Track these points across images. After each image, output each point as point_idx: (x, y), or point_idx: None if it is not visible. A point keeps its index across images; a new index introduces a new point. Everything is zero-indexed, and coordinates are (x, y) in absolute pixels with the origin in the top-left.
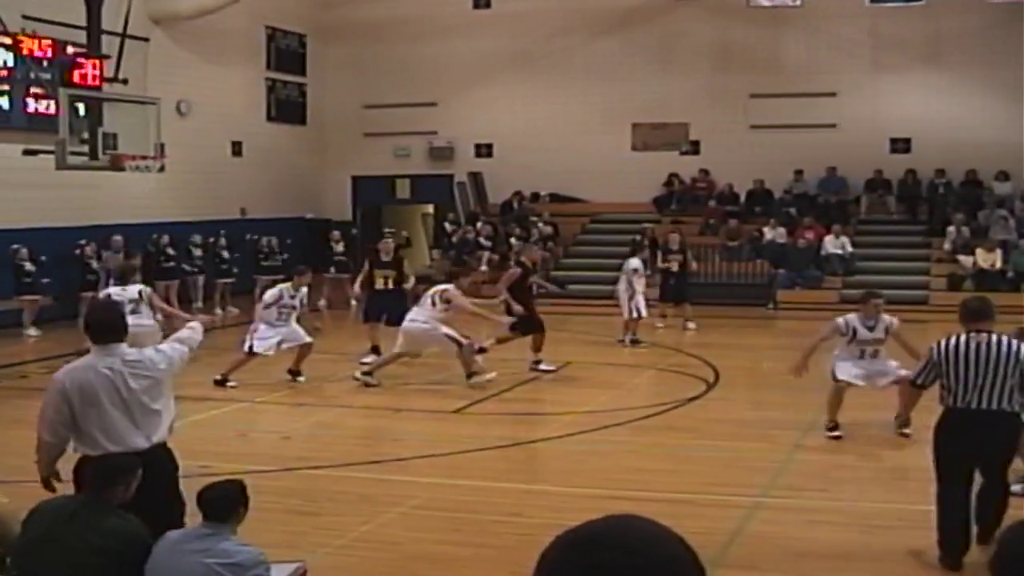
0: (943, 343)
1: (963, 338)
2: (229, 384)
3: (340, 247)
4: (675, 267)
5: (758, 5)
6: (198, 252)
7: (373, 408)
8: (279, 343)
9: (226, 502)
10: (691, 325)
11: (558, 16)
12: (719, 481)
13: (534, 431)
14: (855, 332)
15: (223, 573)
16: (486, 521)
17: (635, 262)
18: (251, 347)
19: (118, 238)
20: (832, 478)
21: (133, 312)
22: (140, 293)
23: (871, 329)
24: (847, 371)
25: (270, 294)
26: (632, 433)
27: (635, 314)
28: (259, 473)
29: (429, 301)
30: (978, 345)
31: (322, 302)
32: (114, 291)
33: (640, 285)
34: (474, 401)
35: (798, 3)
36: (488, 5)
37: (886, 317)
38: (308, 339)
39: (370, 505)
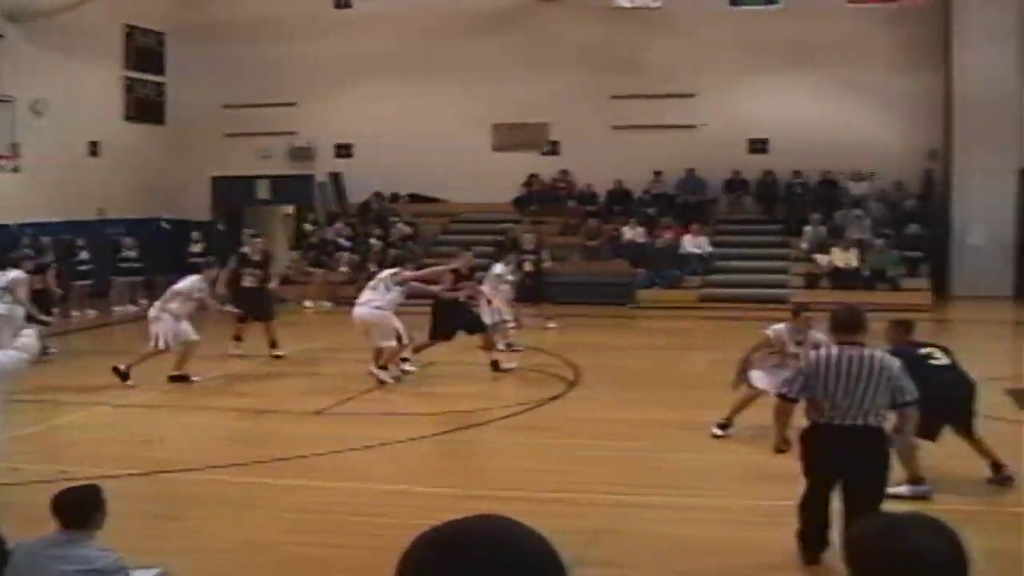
0: (815, 356)
1: (835, 351)
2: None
3: (199, 248)
4: (529, 267)
5: (619, 7)
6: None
7: (237, 410)
8: (173, 336)
9: (83, 507)
10: (551, 324)
11: (419, 16)
12: (581, 479)
13: (398, 431)
14: (783, 344)
15: None
16: (351, 523)
17: (498, 267)
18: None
19: None
20: (696, 475)
21: None
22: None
23: (799, 343)
24: (761, 379)
25: (184, 285)
26: (496, 433)
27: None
28: (121, 477)
29: (382, 286)
30: (850, 359)
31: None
32: None
33: (503, 290)
34: (336, 402)
35: (658, 5)
36: (349, 5)
37: (815, 333)
38: (195, 337)
39: (232, 508)
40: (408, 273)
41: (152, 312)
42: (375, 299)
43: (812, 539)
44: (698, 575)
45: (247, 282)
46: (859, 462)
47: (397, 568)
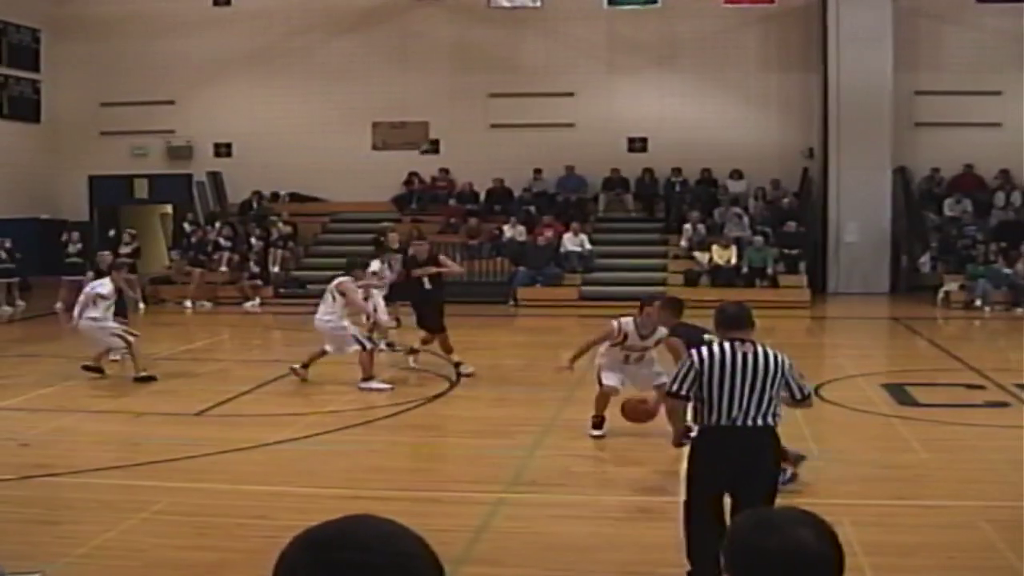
0: (705, 351)
1: (726, 347)
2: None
3: (76, 248)
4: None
5: (498, 6)
6: None
7: (113, 412)
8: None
9: None
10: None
11: (298, 14)
12: (463, 478)
13: (276, 432)
14: (626, 337)
15: None
16: (231, 524)
17: (375, 265)
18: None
19: None
20: (574, 473)
21: None
22: None
23: (644, 337)
24: (611, 377)
25: (103, 289)
26: (375, 432)
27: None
28: None
29: (330, 297)
30: (744, 356)
31: (59, 304)
32: None
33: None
34: (215, 403)
35: (537, 4)
36: (228, 2)
37: (662, 329)
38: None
39: (112, 512)
40: (348, 285)
41: (83, 323)
42: (325, 311)
43: (703, 567)
44: (575, 572)
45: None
46: (756, 465)
47: (273, 570)
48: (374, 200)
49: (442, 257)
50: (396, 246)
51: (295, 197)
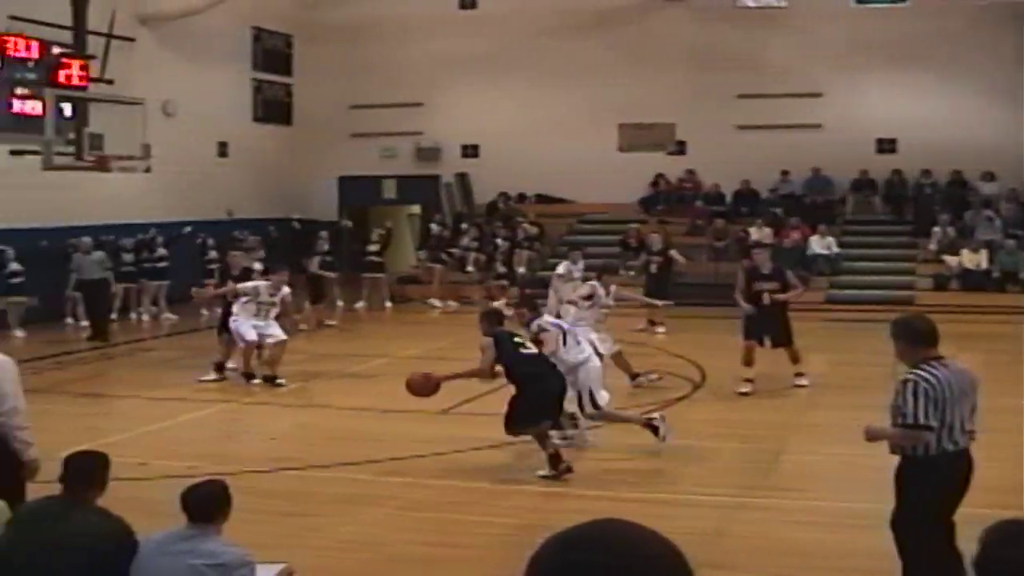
0: (931, 375)
1: (944, 370)
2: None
3: (325, 247)
4: (654, 268)
5: (744, 6)
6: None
7: (357, 409)
8: (260, 336)
9: (210, 503)
10: (659, 329)
11: (545, 16)
12: (704, 481)
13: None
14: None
15: (208, 573)
16: (468, 522)
17: (561, 267)
18: (245, 339)
19: (87, 239)
20: (817, 478)
21: None
22: None
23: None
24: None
25: (247, 286)
26: (622, 435)
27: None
28: (245, 474)
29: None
30: (960, 374)
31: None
32: None
33: (565, 290)
34: (460, 402)
35: (784, 4)
36: (474, 5)
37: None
38: (284, 336)
39: (354, 505)
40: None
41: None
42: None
43: None
44: None
45: None
46: (965, 485)
47: (526, 569)
48: (620, 201)
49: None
50: (657, 247)
51: (541, 198)
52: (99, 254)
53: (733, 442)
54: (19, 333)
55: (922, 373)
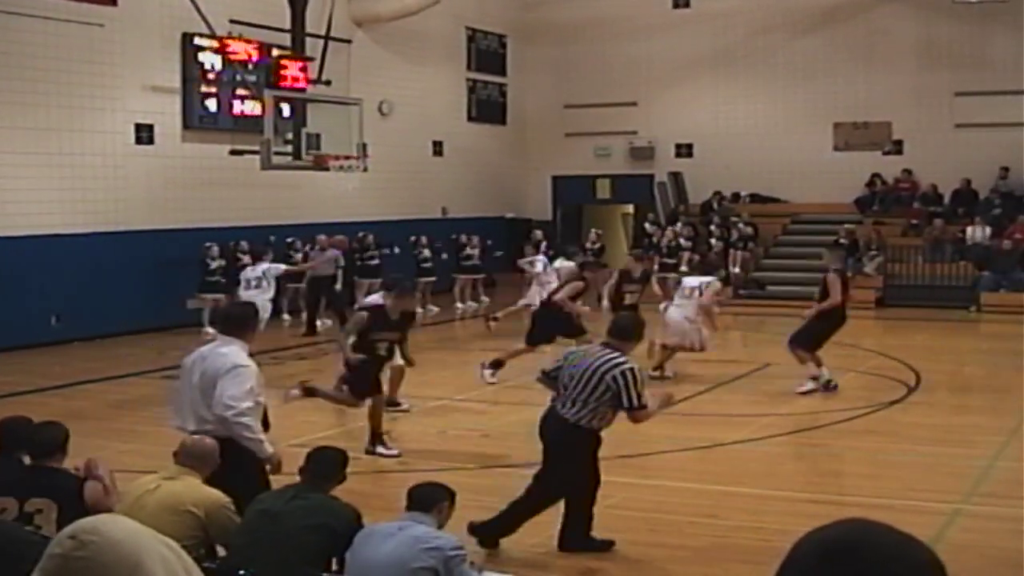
0: None
1: None
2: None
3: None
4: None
5: (964, 1)
6: (397, 251)
7: None
8: None
9: (429, 496)
10: None
11: (758, 14)
12: (918, 487)
13: (732, 432)
14: None
15: (426, 556)
16: (682, 522)
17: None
18: None
19: (323, 237)
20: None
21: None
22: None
23: None
24: None
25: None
26: (831, 436)
27: None
28: (457, 470)
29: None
30: None
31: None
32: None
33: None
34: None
35: None
36: (687, 4)
37: None
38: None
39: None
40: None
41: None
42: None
43: None
44: None
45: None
46: None
47: (781, 567)
48: (835, 201)
49: None
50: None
51: (755, 198)
52: (333, 252)
53: (950, 447)
54: (210, 330)
55: None
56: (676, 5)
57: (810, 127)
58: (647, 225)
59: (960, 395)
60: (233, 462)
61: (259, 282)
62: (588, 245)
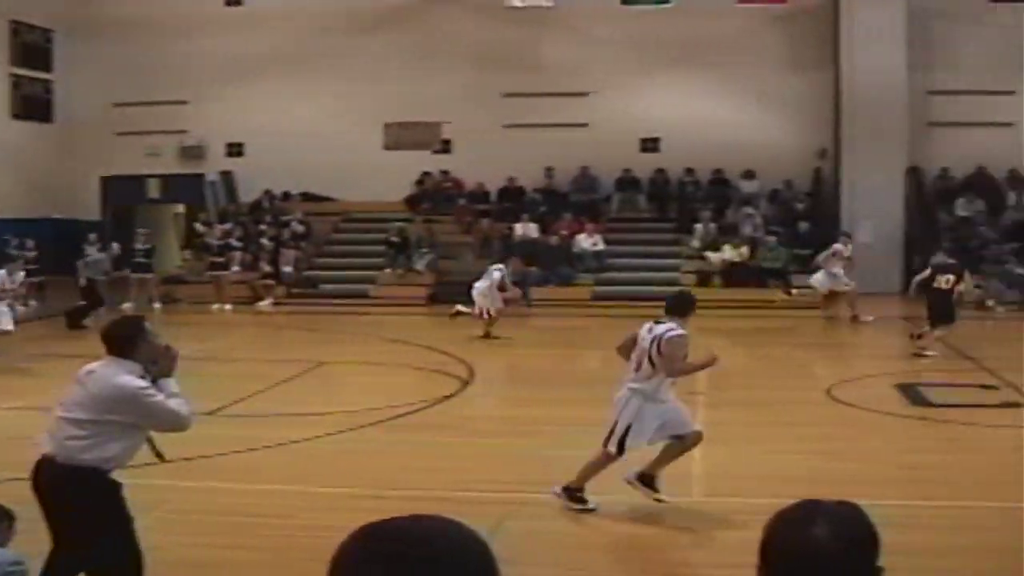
0: None
1: None
2: None
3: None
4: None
5: (511, 6)
6: None
7: None
8: None
9: None
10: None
11: (311, 14)
12: (484, 478)
13: (297, 431)
14: None
15: None
16: (252, 524)
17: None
18: None
19: None
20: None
21: None
22: None
23: None
24: None
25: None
26: (394, 431)
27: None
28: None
29: None
30: None
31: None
32: None
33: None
34: (231, 402)
35: (550, 4)
36: (240, 3)
37: None
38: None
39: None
40: None
41: None
42: None
43: None
44: (590, 572)
45: None
46: None
47: (331, 562)
48: (387, 200)
49: None
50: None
51: (307, 196)
52: None
53: (512, 438)
54: None
55: None
56: (228, 3)
57: (362, 126)
58: (197, 225)
59: (514, 387)
60: None
61: None
62: (138, 246)
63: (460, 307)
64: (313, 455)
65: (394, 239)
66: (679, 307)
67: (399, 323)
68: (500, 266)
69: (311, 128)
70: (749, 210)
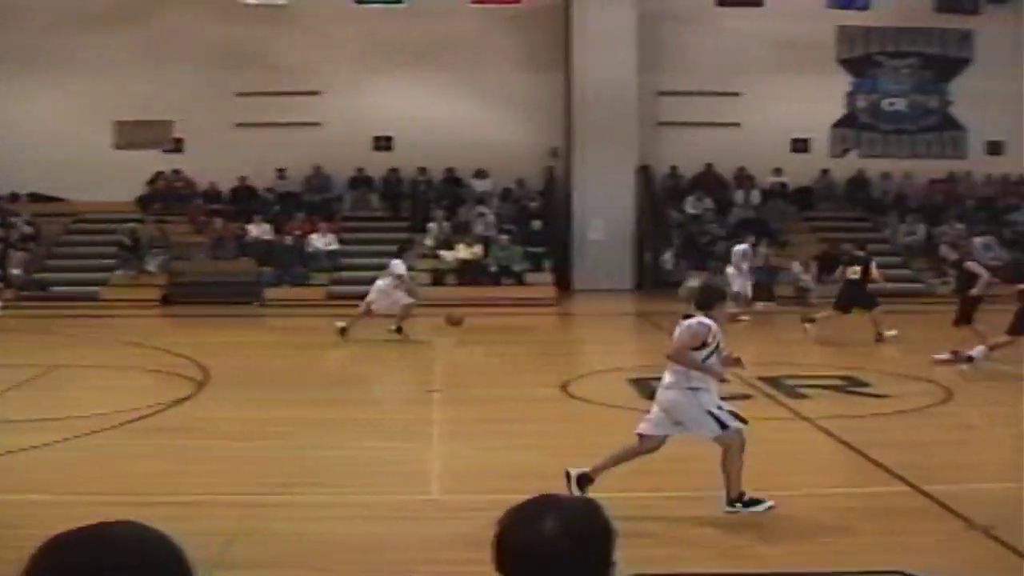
0: None
1: None
2: None
3: None
4: None
5: (244, 3)
6: None
7: None
8: None
9: None
10: None
11: (41, 9)
12: (219, 481)
13: (26, 438)
14: None
15: None
16: None
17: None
18: None
19: None
20: (335, 472)
21: None
22: None
23: None
24: None
25: None
26: (130, 435)
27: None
28: None
29: None
30: None
31: None
32: None
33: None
34: None
35: (284, 2)
36: None
37: None
38: None
39: None
40: None
41: None
42: None
43: None
44: (340, 572)
45: None
46: None
47: (22, 572)
48: (118, 200)
49: None
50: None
51: (35, 197)
52: None
53: (253, 440)
54: None
55: None
56: None
57: (92, 124)
58: None
59: (250, 388)
60: None
61: None
62: None
63: (342, 324)
64: (46, 462)
65: (126, 240)
66: (703, 300)
67: (133, 325)
68: (399, 261)
69: (38, 126)
70: (482, 209)
